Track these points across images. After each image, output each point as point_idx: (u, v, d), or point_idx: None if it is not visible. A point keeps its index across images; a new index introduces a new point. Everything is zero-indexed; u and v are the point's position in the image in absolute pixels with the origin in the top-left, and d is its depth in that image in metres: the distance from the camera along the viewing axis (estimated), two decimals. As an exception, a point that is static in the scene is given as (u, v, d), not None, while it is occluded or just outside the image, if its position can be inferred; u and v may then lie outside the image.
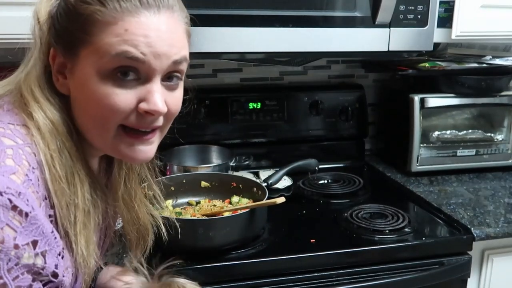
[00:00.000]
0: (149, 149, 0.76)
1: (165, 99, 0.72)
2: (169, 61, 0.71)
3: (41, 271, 0.65)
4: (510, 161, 1.71)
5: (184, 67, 0.75)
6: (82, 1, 0.68)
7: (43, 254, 0.65)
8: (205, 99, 1.62)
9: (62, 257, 0.69)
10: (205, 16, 1.24)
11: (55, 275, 0.67)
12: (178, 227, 1.02)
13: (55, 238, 0.67)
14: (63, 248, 0.69)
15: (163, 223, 0.96)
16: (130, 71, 0.69)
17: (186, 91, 0.82)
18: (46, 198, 0.67)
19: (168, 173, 1.46)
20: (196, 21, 1.24)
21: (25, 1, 0.84)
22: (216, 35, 1.25)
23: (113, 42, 0.67)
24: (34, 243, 0.63)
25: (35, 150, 0.68)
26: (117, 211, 0.88)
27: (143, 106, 0.70)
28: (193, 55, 1.30)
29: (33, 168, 0.66)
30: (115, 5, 0.67)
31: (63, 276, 0.69)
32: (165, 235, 0.96)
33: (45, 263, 0.65)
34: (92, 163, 0.83)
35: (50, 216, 0.68)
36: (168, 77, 0.73)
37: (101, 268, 0.97)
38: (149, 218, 0.92)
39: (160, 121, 0.74)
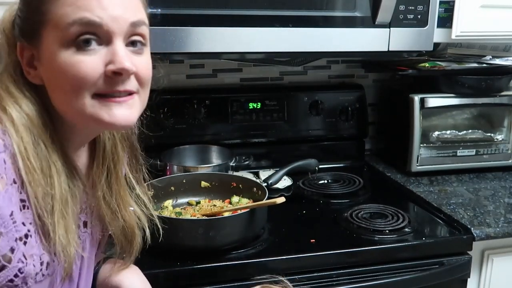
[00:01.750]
0: (129, 113, 0.74)
1: (132, 61, 0.72)
2: (127, 23, 0.72)
3: None
4: (510, 161, 1.71)
5: (144, 31, 0.76)
6: None
7: None
8: (205, 99, 1.62)
9: (25, 243, 0.69)
10: (205, 16, 1.24)
11: (7, 259, 0.67)
12: (161, 229, 0.99)
13: (14, 222, 0.67)
14: (26, 235, 0.69)
15: (148, 226, 0.94)
16: (91, 38, 0.70)
17: (151, 90, 0.81)
18: (15, 182, 0.68)
19: (168, 173, 1.46)
20: (197, 21, 1.25)
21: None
22: (216, 35, 1.25)
23: (67, 11, 0.69)
24: None
25: (3, 137, 0.68)
26: (100, 212, 0.88)
27: (110, 67, 0.71)
28: (193, 55, 1.31)
29: None
30: None
31: (22, 262, 0.68)
32: (149, 238, 0.94)
33: None
34: (77, 154, 0.83)
35: (22, 200, 0.69)
36: (132, 43, 0.74)
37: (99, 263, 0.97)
38: (136, 221, 0.91)
39: (133, 84, 0.74)
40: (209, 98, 1.63)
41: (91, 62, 0.70)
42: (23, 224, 0.69)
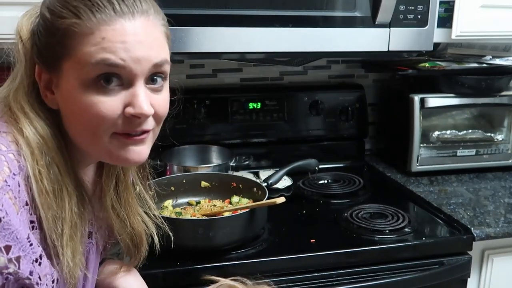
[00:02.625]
0: (141, 149, 0.76)
1: (151, 101, 0.73)
2: (150, 65, 0.71)
3: (13, 276, 0.65)
4: (510, 161, 1.71)
5: (166, 68, 0.76)
6: (58, 16, 0.69)
7: (17, 260, 0.65)
8: (205, 99, 1.62)
9: (40, 264, 0.69)
10: (205, 16, 1.24)
11: (30, 281, 0.67)
12: (172, 236, 1.00)
13: (31, 244, 0.67)
14: (40, 255, 0.69)
15: (156, 234, 0.95)
16: (112, 77, 0.69)
17: (173, 91, 0.82)
18: (27, 204, 0.68)
19: (168, 173, 1.46)
20: (197, 21, 1.25)
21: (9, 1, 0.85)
22: (216, 35, 1.25)
23: (91, 51, 0.68)
24: (7, 248, 0.64)
25: (19, 158, 0.68)
26: (108, 221, 0.88)
27: (129, 110, 0.71)
28: (193, 55, 1.31)
29: (13, 174, 0.66)
30: (90, 16, 0.68)
31: (38, 284, 0.69)
32: (158, 246, 0.95)
33: (19, 268, 0.65)
34: (84, 172, 0.83)
35: (31, 222, 0.69)
36: (152, 79, 0.74)
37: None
38: (143, 227, 0.92)
39: (150, 124, 0.75)
40: (209, 98, 1.63)
41: (110, 103, 0.70)
42: (38, 245, 0.69)
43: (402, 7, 1.34)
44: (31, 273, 0.67)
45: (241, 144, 1.68)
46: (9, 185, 0.65)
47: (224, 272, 1.09)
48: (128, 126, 0.72)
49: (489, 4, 1.43)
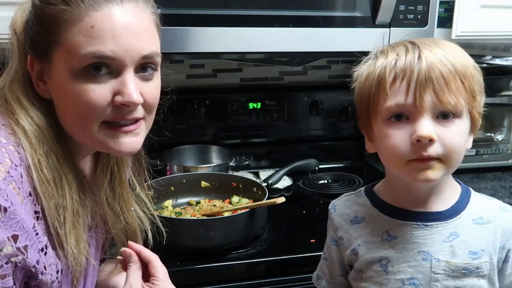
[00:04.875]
0: (134, 140, 0.76)
1: (140, 90, 0.73)
2: (139, 55, 0.72)
3: (21, 263, 0.66)
4: (510, 161, 1.71)
5: (157, 60, 0.76)
6: (47, 3, 0.70)
7: (25, 249, 0.66)
8: (205, 99, 1.62)
9: (45, 254, 0.70)
10: (205, 16, 1.24)
11: (35, 269, 0.68)
12: (164, 232, 1.00)
13: (37, 234, 0.68)
14: (46, 245, 0.70)
15: (150, 229, 0.95)
16: (101, 66, 0.70)
17: (169, 92, 0.82)
18: (30, 195, 0.68)
19: (168, 173, 1.46)
20: (197, 21, 1.25)
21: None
22: (216, 35, 1.25)
23: (81, 41, 0.68)
24: (15, 238, 0.65)
25: (19, 149, 0.69)
26: (103, 215, 0.88)
27: (118, 99, 0.71)
28: (193, 55, 1.31)
29: (15, 165, 0.67)
30: (78, 2, 0.68)
31: (42, 273, 0.69)
32: (151, 241, 0.95)
33: (27, 257, 0.66)
34: (82, 163, 0.84)
35: (36, 212, 0.69)
36: (142, 68, 0.74)
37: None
38: (138, 223, 0.92)
39: (140, 112, 0.75)
40: (209, 98, 1.63)
41: (99, 91, 0.70)
42: (43, 235, 0.70)
43: (402, 7, 1.34)
44: (37, 262, 0.68)
45: (241, 144, 1.67)
46: (12, 176, 0.66)
47: (225, 272, 1.10)
48: (118, 115, 0.72)
49: (489, 4, 1.43)
